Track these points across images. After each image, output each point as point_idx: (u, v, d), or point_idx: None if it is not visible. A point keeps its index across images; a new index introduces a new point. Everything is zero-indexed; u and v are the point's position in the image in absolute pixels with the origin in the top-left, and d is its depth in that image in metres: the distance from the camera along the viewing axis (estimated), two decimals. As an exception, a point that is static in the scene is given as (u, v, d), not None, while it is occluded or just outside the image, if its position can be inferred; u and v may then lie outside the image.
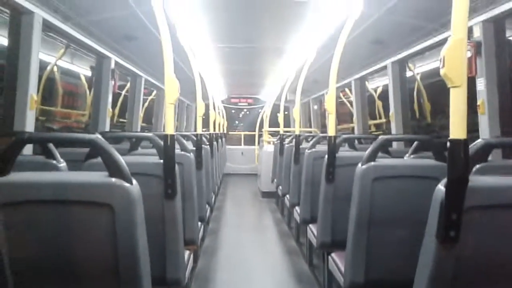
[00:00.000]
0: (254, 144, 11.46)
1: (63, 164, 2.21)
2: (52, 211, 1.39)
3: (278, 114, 6.98)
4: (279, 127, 6.94)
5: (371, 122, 6.76)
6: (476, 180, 1.38)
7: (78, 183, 1.39)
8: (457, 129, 1.31)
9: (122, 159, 1.44)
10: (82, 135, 1.55)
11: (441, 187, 1.37)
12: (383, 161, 2.27)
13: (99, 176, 1.42)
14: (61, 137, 2.29)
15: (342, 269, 2.41)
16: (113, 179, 1.40)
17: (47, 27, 3.23)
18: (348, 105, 7.86)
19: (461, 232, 1.34)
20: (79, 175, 1.50)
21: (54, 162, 2.19)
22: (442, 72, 1.34)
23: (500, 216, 1.40)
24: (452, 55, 1.32)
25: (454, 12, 1.33)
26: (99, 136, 1.49)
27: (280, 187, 5.78)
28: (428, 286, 1.40)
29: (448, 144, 1.33)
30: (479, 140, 1.55)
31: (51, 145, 2.21)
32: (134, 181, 1.44)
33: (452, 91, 1.33)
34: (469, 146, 1.38)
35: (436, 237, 1.37)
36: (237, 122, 13.35)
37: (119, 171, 1.42)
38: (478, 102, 3.01)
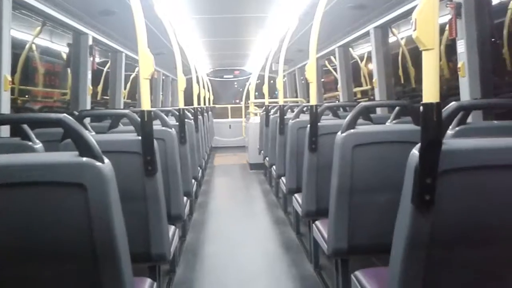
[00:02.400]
0: (241, 117, 11.43)
1: (39, 145, 2.17)
2: (22, 193, 1.36)
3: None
4: None
5: (357, 89, 6.74)
6: (450, 143, 1.38)
7: (47, 164, 1.36)
8: (429, 93, 1.30)
9: (91, 138, 1.41)
10: (49, 115, 1.51)
11: (415, 151, 1.36)
12: (363, 128, 2.26)
13: (69, 156, 1.40)
14: (29, 117, 2.24)
15: (326, 236, 2.43)
16: (84, 159, 1.37)
17: (19, 4, 3.12)
18: (334, 73, 7.82)
19: (437, 196, 1.34)
20: (49, 155, 1.47)
21: (30, 143, 2.15)
22: (414, 35, 1.31)
23: (474, 178, 1.40)
24: (424, 17, 1.29)
25: None
26: (66, 115, 1.46)
27: (267, 158, 5.79)
28: (405, 250, 1.41)
29: (421, 108, 1.32)
30: (452, 103, 1.54)
31: (25, 126, 2.17)
32: (106, 160, 1.42)
33: (424, 54, 1.31)
34: (443, 110, 1.37)
35: (411, 202, 1.37)
36: (223, 95, 13.24)
37: (89, 150, 1.39)
38: (459, 65, 2.99)
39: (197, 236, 4.15)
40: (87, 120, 3.72)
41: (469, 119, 2.42)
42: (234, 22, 5.48)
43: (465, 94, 2.98)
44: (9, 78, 2.89)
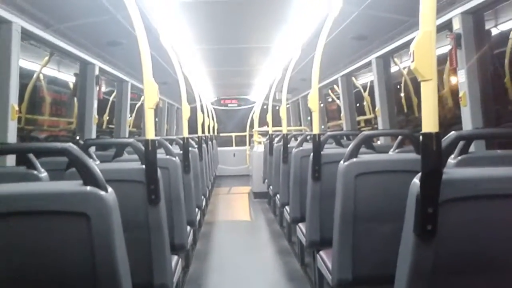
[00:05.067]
0: (245, 145, 11.46)
1: (44, 174, 2.19)
2: (27, 222, 1.37)
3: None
4: None
5: (360, 118, 6.78)
6: (451, 172, 1.38)
7: (51, 193, 1.37)
8: (428, 123, 1.31)
9: (95, 167, 1.43)
10: (55, 144, 1.54)
11: (416, 180, 1.37)
12: (365, 157, 2.27)
13: (73, 185, 1.41)
14: (35, 146, 2.27)
15: (330, 266, 2.41)
16: (88, 188, 1.39)
17: (27, 35, 3.20)
18: (337, 101, 7.88)
19: (439, 226, 1.34)
20: (54, 184, 1.49)
21: (35, 172, 2.17)
22: (412, 66, 1.34)
23: (476, 208, 1.40)
24: (421, 49, 1.32)
25: (422, 5, 1.33)
26: (72, 144, 1.48)
27: (271, 187, 5.77)
28: (408, 280, 1.40)
29: (420, 137, 1.33)
30: (451, 133, 1.55)
31: (31, 155, 2.20)
32: (109, 189, 1.43)
33: (422, 85, 1.33)
34: (442, 139, 1.38)
35: (413, 231, 1.37)
36: (227, 123, 13.33)
37: (93, 179, 1.40)
38: (460, 94, 3.02)
39: (200, 266, 4.10)
40: (92, 149, 3.75)
41: (472, 148, 2.43)
42: (238, 52, 5.57)
43: (467, 123, 3.00)
44: (17, 108, 2.94)
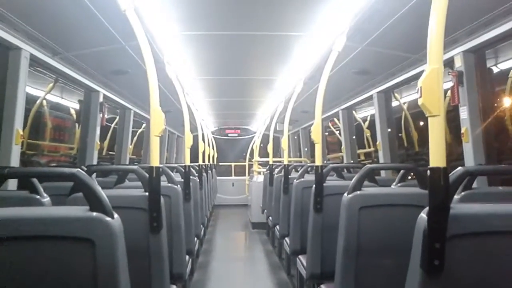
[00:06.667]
0: (245, 175, 11.44)
1: (46, 199, 2.18)
2: (32, 247, 1.36)
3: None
4: None
5: (361, 151, 6.80)
6: (458, 207, 1.39)
7: (57, 218, 1.37)
8: (436, 158, 1.32)
9: (103, 193, 1.43)
10: (62, 169, 1.54)
11: (423, 215, 1.37)
12: (369, 190, 2.27)
13: (79, 211, 1.41)
14: (42, 171, 2.27)
15: None
16: (94, 214, 1.38)
17: (35, 62, 3.25)
18: (337, 134, 7.92)
19: (446, 261, 1.33)
20: (59, 209, 1.48)
21: (38, 197, 2.16)
22: (419, 102, 1.36)
23: (483, 244, 1.40)
24: (429, 85, 1.34)
25: (429, 42, 1.36)
26: (80, 170, 1.48)
27: (270, 218, 5.73)
28: None
29: (428, 172, 1.34)
30: (458, 168, 1.56)
31: (34, 180, 2.19)
32: (115, 215, 1.43)
33: (430, 120, 1.35)
34: (450, 174, 1.39)
35: (420, 267, 1.36)
36: (227, 152, 13.35)
37: (100, 205, 1.40)
38: (462, 130, 3.05)
39: None
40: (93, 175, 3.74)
41: (474, 184, 2.44)
42: (241, 83, 5.64)
43: (470, 159, 3.01)
44: (21, 133, 2.95)
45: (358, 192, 2.22)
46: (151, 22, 2.96)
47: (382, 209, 2.20)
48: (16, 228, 1.35)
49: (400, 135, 5.37)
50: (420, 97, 1.35)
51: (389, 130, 4.96)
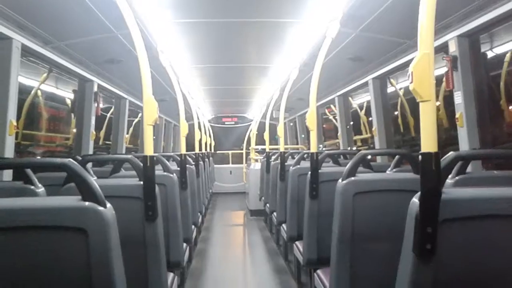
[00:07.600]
0: (242, 163, 11.46)
1: (41, 190, 2.18)
2: (25, 237, 1.36)
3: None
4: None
5: (357, 137, 6.81)
6: (450, 192, 1.39)
7: (50, 208, 1.37)
8: (428, 143, 1.33)
9: (95, 182, 1.43)
10: (54, 160, 1.54)
11: (415, 200, 1.38)
12: (363, 176, 2.28)
13: (72, 200, 1.41)
14: (34, 162, 2.26)
15: (328, 286, 2.39)
16: (86, 203, 1.39)
17: (27, 52, 3.22)
18: (334, 121, 7.92)
19: (438, 245, 1.34)
20: (52, 200, 1.48)
21: (32, 187, 2.16)
22: (411, 87, 1.36)
23: (475, 228, 1.41)
24: (420, 70, 1.34)
25: (420, 28, 1.36)
26: (71, 160, 1.48)
27: (268, 205, 5.76)
28: None
29: (420, 157, 1.34)
30: (450, 153, 1.56)
31: (28, 171, 2.19)
32: (108, 205, 1.43)
33: (421, 105, 1.35)
34: (442, 159, 1.39)
35: (412, 251, 1.37)
36: (224, 140, 13.35)
37: (92, 194, 1.40)
38: (457, 115, 3.05)
39: (195, 284, 4.06)
40: (89, 165, 3.74)
41: (469, 169, 2.45)
42: (237, 71, 5.61)
43: (464, 144, 3.02)
44: (15, 123, 2.94)
45: (352, 178, 2.22)
46: (143, 10, 2.94)
47: (377, 195, 2.20)
48: (9, 218, 1.35)
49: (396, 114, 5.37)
50: (412, 82, 1.35)
51: (385, 116, 4.96)
